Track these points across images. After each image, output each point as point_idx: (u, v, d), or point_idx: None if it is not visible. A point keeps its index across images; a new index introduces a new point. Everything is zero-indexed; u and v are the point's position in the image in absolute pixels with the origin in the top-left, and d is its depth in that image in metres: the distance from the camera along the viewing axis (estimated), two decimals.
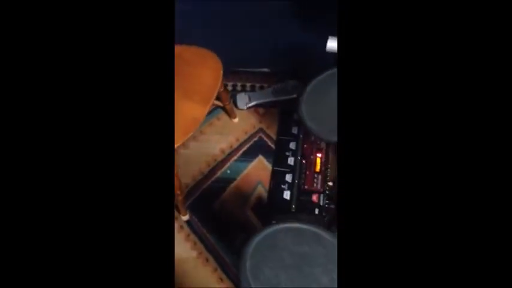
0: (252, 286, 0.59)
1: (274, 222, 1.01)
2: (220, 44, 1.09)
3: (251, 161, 1.24)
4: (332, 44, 0.96)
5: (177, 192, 1.04)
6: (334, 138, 0.74)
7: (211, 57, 1.02)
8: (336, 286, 0.58)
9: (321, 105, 0.84)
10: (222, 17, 1.25)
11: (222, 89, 1.10)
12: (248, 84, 1.42)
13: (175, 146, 0.87)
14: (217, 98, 1.13)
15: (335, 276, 0.60)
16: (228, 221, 1.14)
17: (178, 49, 1.02)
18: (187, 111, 0.92)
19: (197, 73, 0.99)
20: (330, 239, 0.64)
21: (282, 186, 1.18)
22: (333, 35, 0.97)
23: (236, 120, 1.32)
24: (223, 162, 1.24)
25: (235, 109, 1.32)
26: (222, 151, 1.27)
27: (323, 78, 0.89)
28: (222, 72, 1.00)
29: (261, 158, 1.25)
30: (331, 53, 0.99)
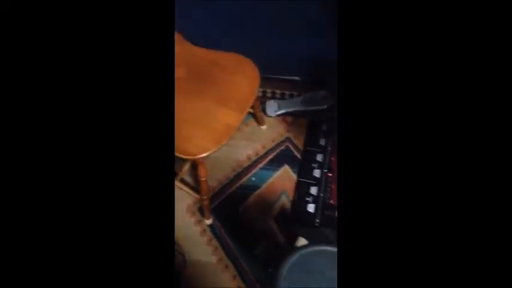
0: None
1: (301, 238, 1.00)
2: (252, 49, 1.08)
3: (276, 170, 1.24)
4: None
5: (204, 196, 1.04)
6: None
7: (248, 64, 1.01)
8: None
9: None
10: (254, 23, 1.25)
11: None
12: (278, 92, 1.41)
13: (208, 153, 0.87)
14: None
15: None
16: (250, 229, 1.13)
17: (215, 55, 1.02)
18: (223, 118, 0.92)
19: (234, 80, 0.98)
20: None
21: (307, 198, 1.16)
22: None
23: (264, 127, 1.32)
24: (248, 168, 1.24)
25: (264, 116, 1.31)
26: (249, 157, 1.26)
27: None
28: (259, 80, 0.99)
29: (286, 168, 1.24)
30: None
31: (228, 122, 0.92)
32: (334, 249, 0.65)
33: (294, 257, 0.63)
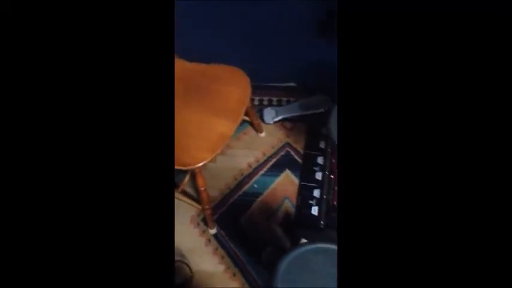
0: None
1: (304, 240, 1.00)
2: (246, 58, 1.11)
3: (278, 176, 1.24)
4: None
5: (206, 206, 1.06)
6: None
7: (239, 74, 1.04)
8: None
9: None
10: (248, 32, 1.28)
11: (249, 105, 1.11)
12: (275, 99, 1.43)
13: (204, 162, 0.89)
14: (245, 113, 1.14)
15: None
16: (255, 235, 1.13)
17: (206, 68, 1.05)
18: (216, 127, 0.94)
19: (225, 90, 1.00)
20: None
21: (310, 201, 1.16)
22: None
23: (263, 134, 1.33)
24: (250, 176, 1.25)
25: (262, 124, 1.32)
26: (249, 165, 1.27)
27: None
28: (250, 89, 1.01)
29: (288, 173, 1.24)
30: None
31: (222, 131, 0.94)
32: (330, 245, 0.65)
33: (290, 257, 0.64)
